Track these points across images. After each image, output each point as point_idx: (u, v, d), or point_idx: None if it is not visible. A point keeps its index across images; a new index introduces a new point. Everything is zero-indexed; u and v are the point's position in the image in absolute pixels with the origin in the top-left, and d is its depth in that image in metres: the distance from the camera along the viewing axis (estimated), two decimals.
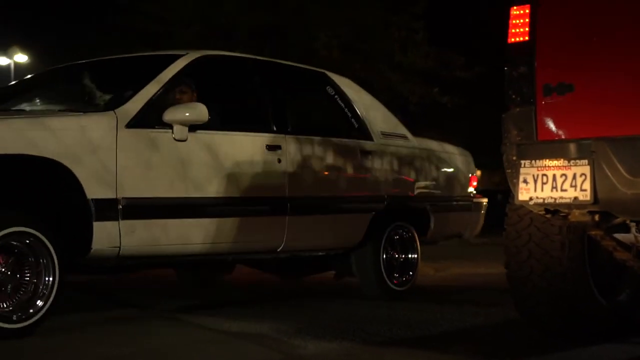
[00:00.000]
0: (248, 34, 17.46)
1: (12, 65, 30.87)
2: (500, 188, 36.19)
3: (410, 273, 7.51)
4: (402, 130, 7.75)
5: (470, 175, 8.31)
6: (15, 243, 5.08)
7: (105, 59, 7.04)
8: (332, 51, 17.81)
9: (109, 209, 5.39)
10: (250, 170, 6.26)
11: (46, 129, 5.23)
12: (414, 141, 7.79)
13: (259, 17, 17.09)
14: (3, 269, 5.07)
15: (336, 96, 7.30)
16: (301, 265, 7.56)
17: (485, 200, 8.52)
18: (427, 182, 7.75)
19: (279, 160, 6.44)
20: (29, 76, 7.46)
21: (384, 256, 7.29)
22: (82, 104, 5.98)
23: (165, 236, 5.73)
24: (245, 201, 6.21)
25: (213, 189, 5.99)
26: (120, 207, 5.43)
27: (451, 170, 8.13)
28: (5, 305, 5.03)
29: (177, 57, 6.29)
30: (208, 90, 6.45)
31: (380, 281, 7.23)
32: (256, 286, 8.48)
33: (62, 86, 6.84)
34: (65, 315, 5.86)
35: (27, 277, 5.17)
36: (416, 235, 7.60)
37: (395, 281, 7.36)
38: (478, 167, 8.30)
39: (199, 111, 5.79)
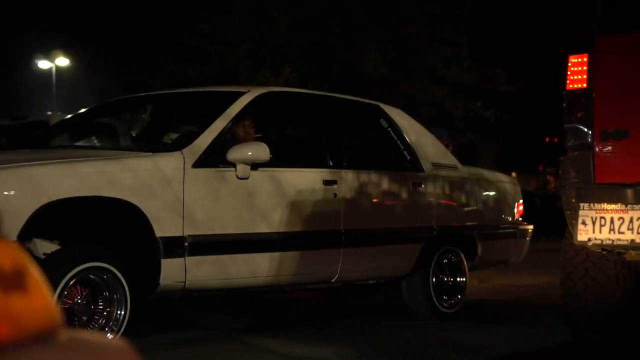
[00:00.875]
0: (296, 52, 17.63)
1: (54, 69, 31.26)
2: (538, 192, 36.52)
3: (459, 296, 7.58)
4: (452, 160, 7.83)
5: (517, 202, 8.35)
6: (92, 277, 5.24)
7: (166, 93, 7.16)
8: (378, 68, 17.90)
9: (176, 247, 5.53)
10: (308, 205, 6.36)
11: (119, 170, 5.37)
12: (463, 170, 7.85)
13: (308, 36, 17.26)
14: (79, 300, 5.22)
15: (389, 128, 7.39)
16: (352, 289, 7.71)
17: (530, 227, 8.54)
18: (475, 211, 7.84)
19: (335, 195, 6.54)
20: (91, 107, 7.58)
21: (433, 280, 7.36)
22: (146, 141, 6.16)
23: (228, 270, 5.85)
24: (303, 235, 6.31)
25: (273, 224, 6.10)
26: (187, 244, 5.56)
27: (499, 198, 8.18)
28: None
29: (240, 94, 6.39)
30: (269, 126, 6.62)
31: (429, 304, 7.32)
32: (303, 303, 8.51)
33: (124, 119, 7.02)
34: (134, 336, 6.02)
35: (100, 309, 5.33)
36: (464, 259, 7.68)
37: (444, 304, 7.43)
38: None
39: (261, 150, 5.88)
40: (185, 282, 5.63)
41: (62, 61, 31.09)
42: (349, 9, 17.68)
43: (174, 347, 6.09)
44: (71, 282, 5.08)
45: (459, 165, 7.87)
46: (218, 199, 5.80)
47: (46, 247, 5.22)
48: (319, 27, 17.34)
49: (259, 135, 6.59)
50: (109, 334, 5.30)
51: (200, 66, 17.39)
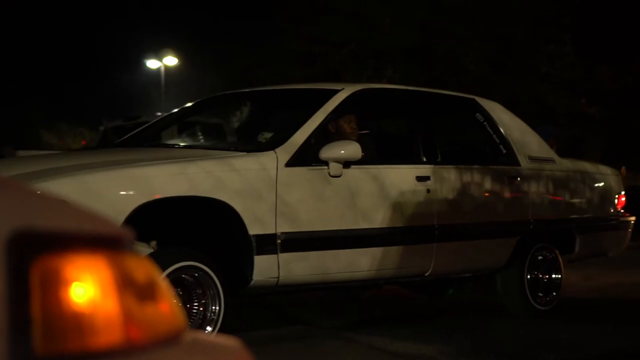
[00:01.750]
0: (399, 53, 17.66)
1: (162, 68, 31.84)
2: None
3: (554, 293, 7.49)
4: (550, 153, 7.72)
5: (618, 194, 8.22)
6: (184, 276, 5.35)
7: (261, 90, 7.22)
8: (480, 66, 17.77)
9: (269, 244, 5.59)
10: (400, 201, 6.34)
11: (212, 170, 5.45)
12: (562, 163, 7.74)
13: (411, 36, 17.26)
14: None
15: (485, 122, 7.32)
16: (443, 285, 7.73)
17: (632, 219, 8.40)
18: (574, 203, 7.72)
19: (428, 191, 6.51)
20: (188, 104, 7.60)
21: (528, 276, 7.29)
22: (241, 140, 6.29)
23: (320, 266, 5.90)
24: (394, 231, 6.30)
25: (364, 221, 6.11)
26: (279, 241, 5.62)
27: (599, 189, 8.04)
28: None
29: (335, 91, 6.40)
30: (363, 123, 6.68)
31: (524, 301, 7.26)
32: (395, 301, 8.46)
33: (220, 115, 7.15)
34: (237, 330, 6.16)
35: (196, 306, 5.45)
36: (559, 256, 7.57)
37: (539, 301, 7.35)
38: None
39: (353, 149, 5.90)
40: (278, 277, 5.69)
41: (171, 60, 31.58)
42: (453, 9, 17.62)
43: (281, 342, 6.18)
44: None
45: (557, 158, 7.75)
46: (310, 197, 5.84)
47: (142, 249, 5.38)
48: (421, 28, 17.32)
49: (365, 131, 6.64)
50: (207, 328, 5.42)
51: (304, 67, 17.55)
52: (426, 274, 6.64)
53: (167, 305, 1.49)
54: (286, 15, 17.65)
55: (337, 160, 5.92)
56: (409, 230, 6.42)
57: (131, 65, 34.26)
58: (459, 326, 6.88)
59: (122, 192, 5.05)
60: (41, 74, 37.62)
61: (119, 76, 34.13)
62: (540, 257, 7.49)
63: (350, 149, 5.92)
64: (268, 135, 6.22)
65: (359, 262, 6.12)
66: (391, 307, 8.17)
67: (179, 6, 30.89)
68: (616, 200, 8.21)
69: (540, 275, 7.48)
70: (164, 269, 5.18)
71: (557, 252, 7.57)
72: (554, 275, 7.53)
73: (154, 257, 5.24)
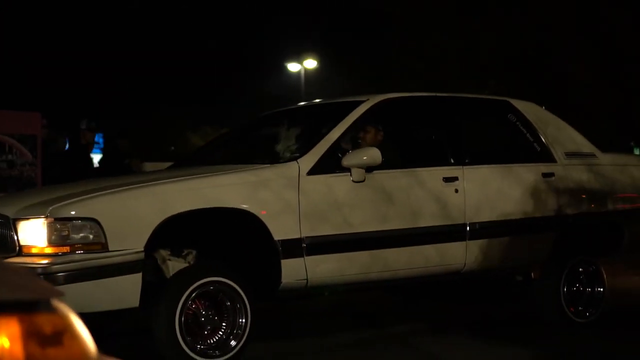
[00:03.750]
0: (502, 65, 17.76)
1: (303, 72, 32.20)
2: None
3: (596, 306, 7.48)
4: (590, 148, 7.75)
5: None
6: (212, 288, 5.79)
7: (299, 107, 7.67)
8: (585, 73, 17.53)
9: (294, 248, 5.97)
10: (426, 202, 6.59)
11: (236, 183, 5.94)
12: (603, 158, 7.75)
13: (514, 51, 17.34)
14: (203, 312, 5.78)
15: (517, 122, 7.43)
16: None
17: None
18: (617, 197, 7.70)
19: (456, 191, 6.74)
20: (246, 123, 8.25)
21: (565, 289, 7.35)
22: (269, 154, 6.80)
23: (349, 267, 6.22)
24: (420, 231, 6.54)
25: (389, 222, 6.38)
26: (304, 245, 5.99)
27: None
28: (205, 345, 5.78)
29: (359, 103, 6.75)
30: (389, 131, 6.98)
31: (561, 313, 7.33)
32: (438, 310, 8.55)
33: (260, 137, 7.71)
34: (301, 337, 6.76)
35: (225, 318, 5.85)
36: (602, 269, 7.54)
37: (578, 314, 7.39)
38: None
39: (373, 154, 6.23)
40: (307, 279, 6.05)
41: (311, 63, 32.30)
42: (557, 22, 17.49)
43: (345, 349, 6.61)
44: (192, 296, 5.68)
45: (599, 153, 7.76)
46: (334, 202, 6.16)
47: (176, 264, 5.91)
48: (525, 41, 17.34)
49: (382, 139, 6.93)
50: (232, 342, 5.81)
51: (410, 81, 17.85)
52: (462, 271, 6.87)
53: (75, 348, 1.87)
54: (397, 29, 18.05)
55: (358, 166, 6.25)
56: (437, 229, 6.65)
57: (274, 69, 35.18)
58: (513, 337, 6.98)
59: (147, 209, 5.60)
60: (195, 80, 39.10)
61: (262, 80, 35.10)
62: (580, 269, 7.52)
63: (370, 155, 6.25)
64: (294, 147, 6.66)
65: (387, 262, 6.40)
66: (432, 316, 8.21)
67: (320, 13, 31.48)
68: None
69: (581, 288, 7.50)
70: (189, 285, 5.68)
71: (599, 263, 7.56)
72: (596, 289, 7.52)
73: (180, 275, 5.78)
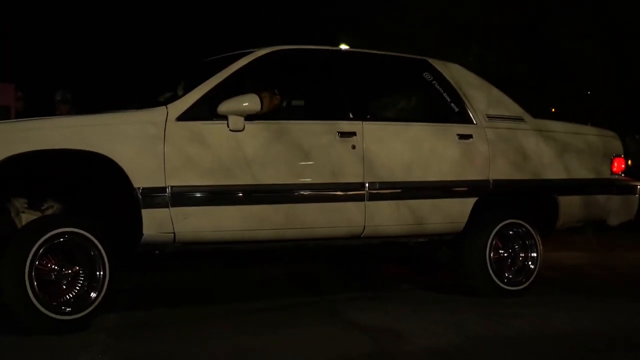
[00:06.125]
0: (489, 32, 17.12)
1: None
2: None
3: (528, 272, 7.02)
4: (518, 112, 7.12)
5: (611, 156, 7.51)
6: (64, 241, 5.34)
7: (201, 61, 7.09)
8: (578, 42, 16.85)
9: (157, 197, 5.46)
10: (316, 156, 6.05)
11: (95, 125, 5.41)
12: (532, 122, 7.12)
13: (501, 17, 16.71)
14: (54, 267, 5.34)
15: (434, 82, 6.86)
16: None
17: (635, 183, 7.66)
18: (546, 164, 7.07)
19: (353, 147, 6.17)
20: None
21: (491, 254, 6.84)
22: (146, 101, 6.26)
23: (225, 222, 5.69)
24: (308, 187, 6.02)
25: (268, 176, 5.85)
26: (169, 194, 5.46)
27: (581, 151, 7.33)
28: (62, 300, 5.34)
29: (245, 54, 6.20)
30: (282, 84, 6.42)
31: (487, 279, 6.82)
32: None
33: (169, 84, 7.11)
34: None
35: (80, 271, 5.42)
36: (533, 231, 7.00)
37: (506, 280, 6.91)
38: None
39: (250, 100, 5.71)
40: (174, 233, 5.55)
41: None
42: None
43: (265, 312, 6.27)
44: (40, 252, 5.20)
45: (528, 118, 7.13)
46: (206, 151, 5.64)
47: (28, 217, 5.48)
48: (514, 7, 16.71)
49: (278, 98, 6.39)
50: (92, 294, 5.40)
51: (393, 48, 17.25)
52: (361, 235, 6.31)
53: None
54: None
55: (236, 114, 5.74)
56: (328, 186, 6.10)
57: None
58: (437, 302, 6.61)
59: None
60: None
61: None
62: (511, 233, 6.99)
63: (246, 101, 5.74)
64: (169, 95, 6.17)
65: (270, 220, 5.85)
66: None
67: None
68: (607, 164, 7.51)
69: (509, 253, 7.02)
70: (38, 237, 5.21)
71: (531, 227, 7.03)
72: (529, 254, 7.05)
73: (25, 229, 5.32)
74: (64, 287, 5.36)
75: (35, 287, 5.14)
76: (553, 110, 17.56)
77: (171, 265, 7.74)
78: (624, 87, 17.85)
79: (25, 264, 5.11)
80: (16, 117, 9.28)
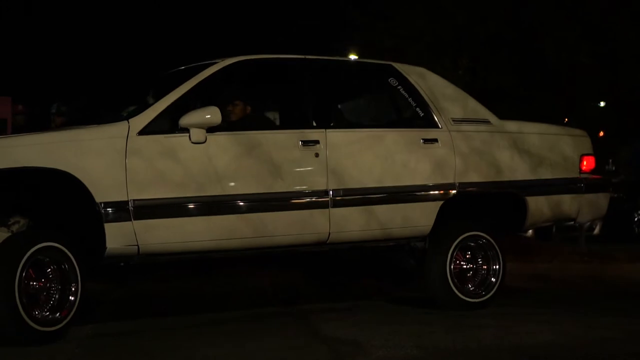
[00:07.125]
0: (476, 44, 17.08)
1: None
2: None
3: (490, 284, 6.97)
4: (484, 114, 7.13)
5: (579, 155, 7.47)
6: (41, 257, 5.44)
7: (167, 73, 7.10)
8: (575, 57, 16.74)
9: (119, 210, 5.53)
10: (279, 165, 6.10)
11: (56, 142, 5.50)
12: (499, 124, 7.13)
13: (488, 28, 16.68)
14: (33, 282, 5.43)
15: (399, 87, 6.87)
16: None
17: (605, 182, 7.73)
18: (512, 165, 7.06)
19: (317, 155, 6.23)
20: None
21: (452, 266, 6.81)
22: (110, 115, 6.34)
23: (187, 234, 5.77)
24: (271, 196, 6.07)
25: (231, 187, 5.92)
26: (131, 208, 5.55)
27: (549, 150, 7.31)
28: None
29: (208, 65, 6.25)
30: (247, 94, 6.49)
31: (447, 290, 6.79)
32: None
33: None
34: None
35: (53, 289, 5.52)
36: (494, 242, 6.98)
37: (467, 292, 6.88)
38: None
39: (210, 113, 5.78)
40: (138, 245, 5.62)
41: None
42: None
43: (234, 322, 6.39)
44: (27, 265, 5.33)
45: (494, 120, 7.13)
46: (169, 164, 5.71)
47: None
48: (500, 19, 16.70)
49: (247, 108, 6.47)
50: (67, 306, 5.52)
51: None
52: (327, 242, 6.36)
53: None
54: (360, 12, 17.42)
55: (197, 126, 5.80)
56: (291, 195, 6.17)
57: None
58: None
59: None
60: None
61: None
62: (472, 244, 6.98)
63: (207, 114, 5.81)
64: (132, 108, 6.26)
65: (234, 230, 5.92)
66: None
67: None
68: (576, 163, 7.49)
69: (470, 266, 6.99)
70: (26, 250, 5.32)
71: (492, 239, 6.99)
72: (491, 265, 6.99)
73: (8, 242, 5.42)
74: (42, 299, 5.47)
75: (24, 300, 5.27)
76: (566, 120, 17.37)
77: (141, 277, 7.82)
78: (615, 97, 17.80)
79: (15, 277, 5.22)
80: (16, 131, 9.37)
